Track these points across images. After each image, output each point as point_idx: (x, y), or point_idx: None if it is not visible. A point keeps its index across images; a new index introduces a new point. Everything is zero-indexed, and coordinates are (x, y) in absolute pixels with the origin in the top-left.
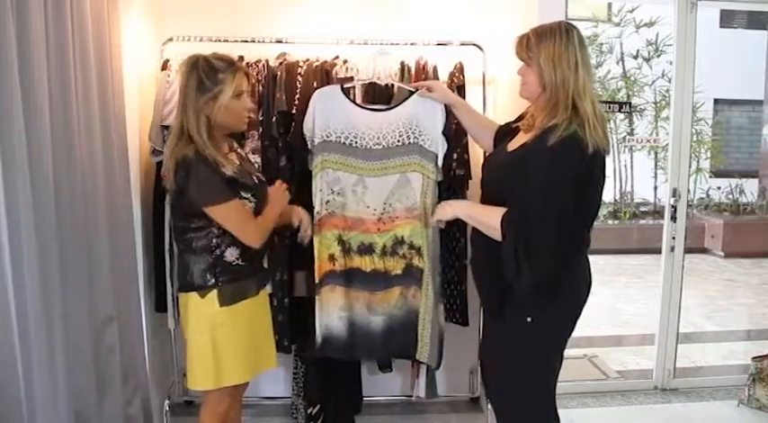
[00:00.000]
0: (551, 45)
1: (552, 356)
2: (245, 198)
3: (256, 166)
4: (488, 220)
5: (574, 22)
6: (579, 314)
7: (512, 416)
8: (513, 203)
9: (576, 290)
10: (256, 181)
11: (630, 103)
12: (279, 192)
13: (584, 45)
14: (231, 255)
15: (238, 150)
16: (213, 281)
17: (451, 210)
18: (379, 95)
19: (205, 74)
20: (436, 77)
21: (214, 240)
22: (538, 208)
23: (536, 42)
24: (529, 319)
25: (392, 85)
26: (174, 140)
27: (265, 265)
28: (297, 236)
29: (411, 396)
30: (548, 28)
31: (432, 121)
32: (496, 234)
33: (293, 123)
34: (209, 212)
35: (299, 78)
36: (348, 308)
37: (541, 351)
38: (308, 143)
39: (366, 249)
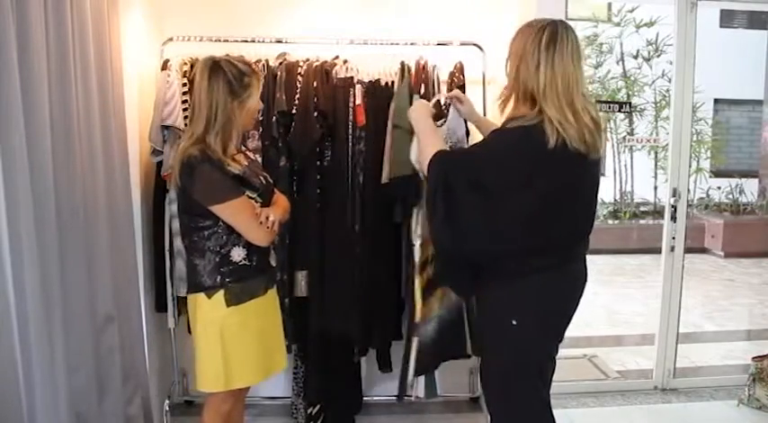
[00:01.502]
0: (520, 41)
1: (541, 357)
2: (251, 198)
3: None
4: (425, 150)
5: (573, 22)
6: (567, 319)
7: (503, 416)
8: (456, 152)
9: (558, 293)
10: (263, 181)
11: (630, 103)
12: (283, 197)
13: (554, 47)
14: (238, 255)
15: (246, 152)
16: (220, 281)
17: (414, 114)
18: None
19: (234, 78)
20: (436, 77)
21: (220, 240)
22: (471, 158)
23: (513, 38)
24: (514, 322)
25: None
26: (187, 142)
27: (273, 263)
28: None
29: (410, 396)
30: (526, 25)
31: (460, 128)
32: (424, 167)
33: (293, 123)
34: (216, 211)
35: (299, 78)
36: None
37: (531, 352)
38: None
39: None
